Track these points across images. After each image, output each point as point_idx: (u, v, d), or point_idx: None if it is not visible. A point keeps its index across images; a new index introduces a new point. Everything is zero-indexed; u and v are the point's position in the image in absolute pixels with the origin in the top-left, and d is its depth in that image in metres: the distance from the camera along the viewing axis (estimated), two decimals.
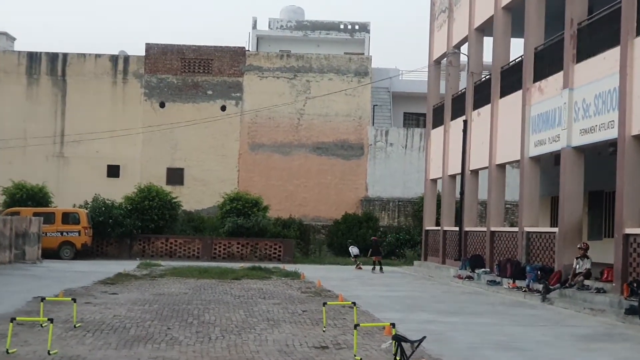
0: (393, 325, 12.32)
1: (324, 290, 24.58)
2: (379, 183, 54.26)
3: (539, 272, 25.44)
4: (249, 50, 56.97)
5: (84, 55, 54.33)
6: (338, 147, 54.40)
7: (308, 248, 49.55)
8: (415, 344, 10.13)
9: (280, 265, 37.67)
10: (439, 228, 39.18)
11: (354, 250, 40.62)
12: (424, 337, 10.63)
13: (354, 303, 16.09)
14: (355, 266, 39.07)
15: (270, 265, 36.76)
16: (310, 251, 49.31)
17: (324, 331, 15.24)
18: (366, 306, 19.81)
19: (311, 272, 33.87)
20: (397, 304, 21.36)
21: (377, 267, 37.34)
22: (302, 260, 44.82)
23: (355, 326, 12.31)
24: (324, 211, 53.37)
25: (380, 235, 48.63)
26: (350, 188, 54.15)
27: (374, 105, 56.81)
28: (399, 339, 10.24)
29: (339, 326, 16.09)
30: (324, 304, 15.79)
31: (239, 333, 14.81)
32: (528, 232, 28.29)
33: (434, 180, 41.49)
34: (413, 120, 59.75)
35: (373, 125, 55.66)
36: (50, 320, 12.24)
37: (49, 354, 11.93)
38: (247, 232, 44.66)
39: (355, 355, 12.34)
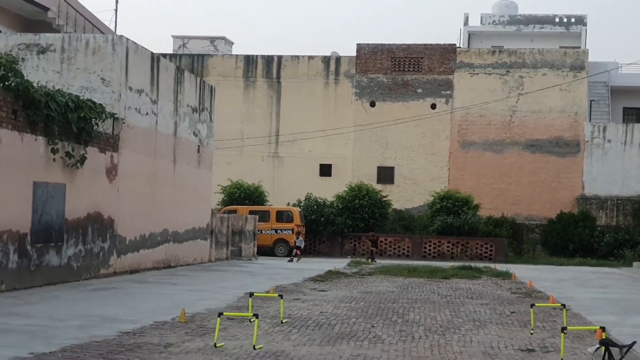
0: (603, 329, 11.72)
1: (535, 291, 23.88)
2: (596, 181, 52.09)
3: None
4: (459, 47, 56.37)
5: (297, 57, 55.65)
6: (552, 144, 52.69)
7: (521, 247, 48.48)
8: (625, 349, 9.54)
9: (492, 265, 37.03)
10: None
11: (301, 243, 40.18)
12: (634, 342, 10.00)
13: (563, 305, 15.50)
14: (294, 258, 38.59)
15: (481, 265, 36.28)
16: (524, 251, 48.23)
17: (531, 333, 14.75)
18: (578, 308, 19.07)
19: (523, 272, 33.11)
20: (612, 307, 20.38)
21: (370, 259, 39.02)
22: (514, 260, 43.94)
23: (563, 329, 11.80)
24: (538, 210, 51.87)
25: (597, 235, 47.10)
26: (566, 186, 52.33)
27: (590, 101, 54.59)
28: (607, 344, 9.69)
29: (548, 329, 15.52)
30: (532, 305, 15.29)
31: (443, 333, 14.59)
32: None
33: None
34: (633, 115, 56.96)
35: (590, 121, 53.50)
36: (256, 315, 12.49)
37: (254, 348, 12.19)
38: (457, 230, 44.31)
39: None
